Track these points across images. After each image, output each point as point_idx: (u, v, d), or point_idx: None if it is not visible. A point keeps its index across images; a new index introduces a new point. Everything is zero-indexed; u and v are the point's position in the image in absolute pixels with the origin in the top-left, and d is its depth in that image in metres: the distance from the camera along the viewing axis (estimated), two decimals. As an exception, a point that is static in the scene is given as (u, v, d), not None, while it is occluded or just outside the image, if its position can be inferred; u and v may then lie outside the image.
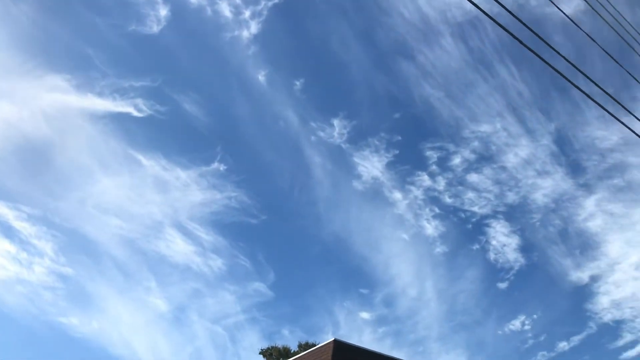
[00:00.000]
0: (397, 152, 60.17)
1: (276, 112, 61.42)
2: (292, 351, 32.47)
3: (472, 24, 55.39)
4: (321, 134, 60.60)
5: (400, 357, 12.25)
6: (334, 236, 65.23)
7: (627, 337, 53.46)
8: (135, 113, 52.23)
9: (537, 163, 59.97)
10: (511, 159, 60.52)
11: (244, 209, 59.29)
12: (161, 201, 57.23)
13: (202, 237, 56.37)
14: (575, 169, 60.42)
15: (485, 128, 60.09)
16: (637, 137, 7.81)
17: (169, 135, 64.24)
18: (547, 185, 60.26)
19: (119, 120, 55.74)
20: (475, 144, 59.95)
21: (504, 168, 60.44)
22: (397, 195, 61.68)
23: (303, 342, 32.49)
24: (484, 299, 63.34)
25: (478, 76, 59.55)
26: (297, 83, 60.62)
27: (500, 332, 58.72)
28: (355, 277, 65.87)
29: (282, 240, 67.00)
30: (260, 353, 33.45)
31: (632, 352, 53.11)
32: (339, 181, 64.11)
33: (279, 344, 34.92)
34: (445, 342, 60.91)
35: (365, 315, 59.50)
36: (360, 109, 64.19)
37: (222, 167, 58.04)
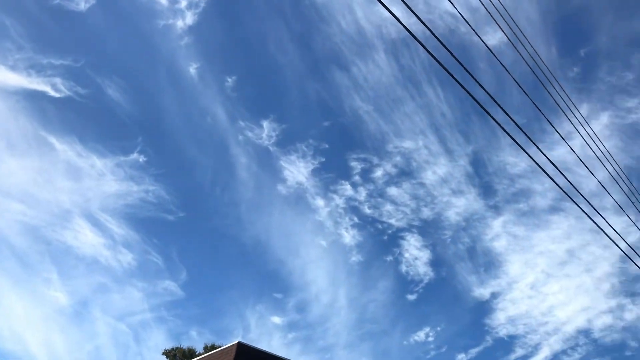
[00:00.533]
0: (323, 159, 60.87)
1: (204, 107, 60.00)
2: (197, 353, 31.60)
3: (405, 43, 57.35)
4: (249, 134, 59.96)
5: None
6: (253, 239, 64.57)
7: (519, 352, 57.34)
8: (52, 93, 48.86)
9: (453, 182, 63.14)
10: (429, 176, 63.26)
11: (161, 204, 57.15)
12: (72, 189, 53.78)
13: (114, 230, 53.57)
14: (486, 190, 64.25)
15: (408, 144, 62.40)
16: (540, 166, 8.39)
17: (88, 120, 60.69)
18: (460, 204, 63.57)
19: (33, 98, 51.84)
20: (398, 158, 62.06)
21: (422, 184, 63.02)
22: (320, 202, 62.33)
23: (209, 344, 31.74)
24: (392, 310, 65.38)
25: (406, 94, 61.81)
26: (229, 80, 59.68)
27: (405, 342, 60.82)
28: (271, 281, 65.53)
29: (199, 239, 65.32)
30: (163, 353, 32.25)
31: (522, 368, 57.07)
32: (264, 184, 63.70)
33: (185, 345, 33.87)
34: (352, 349, 62.05)
35: (276, 319, 59.27)
36: (291, 113, 64.35)
37: (141, 159, 55.64)
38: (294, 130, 63.17)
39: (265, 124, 59.85)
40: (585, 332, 55.37)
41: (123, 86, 55.99)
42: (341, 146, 65.83)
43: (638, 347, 53.18)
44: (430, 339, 58.45)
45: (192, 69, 56.30)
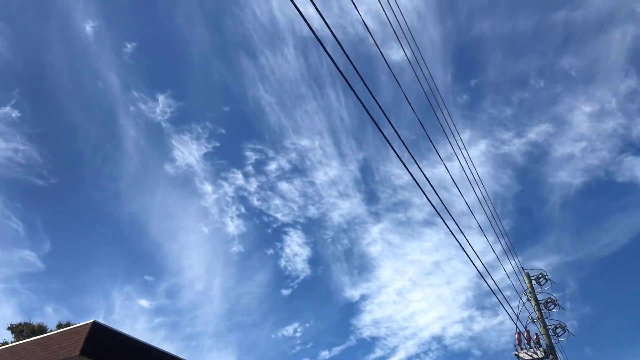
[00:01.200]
0: (218, 144, 59.54)
1: (96, 70, 55.66)
2: (48, 330, 29.16)
3: (316, 42, 58.10)
4: (142, 106, 56.75)
5: (169, 351, 11.83)
6: (130, 216, 61.16)
7: (378, 353, 60.89)
8: None
9: (342, 185, 65.30)
10: (320, 177, 64.84)
11: (31, 166, 52.01)
12: None
13: (-33, 186, 47.68)
14: (370, 197, 67.37)
15: (305, 142, 63.34)
16: (416, 180, 8.99)
17: (-48, 57, 53.28)
18: (345, 207, 65.96)
19: None
20: (293, 155, 62.73)
21: (312, 183, 64.36)
22: (208, 187, 60.85)
23: (64, 323, 29.42)
24: (266, 303, 65.87)
25: (310, 92, 62.72)
26: (129, 46, 56.00)
27: (273, 335, 61.60)
28: (143, 263, 62.57)
29: (70, 210, 60.43)
30: (8, 329, 29.27)
31: (378, 367, 60.61)
32: (150, 160, 60.65)
33: (37, 321, 31.08)
34: (219, 339, 61.42)
35: (144, 303, 56.74)
36: (190, 92, 62.00)
37: (15, 114, 50.26)
38: (191, 110, 60.99)
39: (161, 98, 57.10)
40: (438, 339, 60.43)
41: (4, 30, 50.05)
42: (238, 134, 64.93)
43: (480, 355, 59.23)
44: (298, 334, 59.88)
45: (89, 27, 52.05)
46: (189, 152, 58.43)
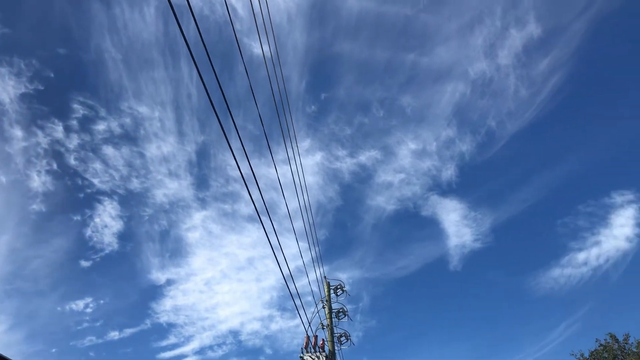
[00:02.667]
0: (42, 88, 52.45)
1: None
2: None
3: (178, 11, 55.28)
4: (-46, 16, 47.55)
5: None
6: None
7: (171, 340, 59.40)
8: None
9: (174, 164, 62.71)
10: (153, 150, 61.37)
11: None
12: None
13: None
14: (201, 183, 65.91)
15: (144, 110, 59.41)
16: (243, 175, 9.00)
17: None
18: (172, 187, 63.41)
19: None
20: (128, 120, 58.33)
21: (142, 155, 60.57)
22: (18, 132, 53.20)
23: None
24: (59, 272, 59.69)
25: (162, 60, 59.13)
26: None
27: (59, 308, 56.01)
28: None
29: None
30: None
31: (169, 353, 59.06)
32: (-50, 81, 50.86)
33: None
34: (-9, 304, 53.75)
35: None
36: (20, 20, 53.73)
37: None
38: (17, 41, 52.83)
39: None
40: (235, 333, 61.35)
41: None
42: (69, 83, 58.02)
43: (271, 354, 61.61)
44: (89, 310, 55.42)
45: None
46: (3, 87, 50.41)
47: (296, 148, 12.69)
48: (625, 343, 30.70)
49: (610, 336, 31.39)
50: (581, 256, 59.66)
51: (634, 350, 30.12)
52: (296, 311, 11.93)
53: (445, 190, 67.88)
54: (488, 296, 71.80)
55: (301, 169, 13.39)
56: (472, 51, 61.30)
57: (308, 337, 15.89)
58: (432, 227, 71.16)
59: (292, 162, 12.43)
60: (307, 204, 14.23)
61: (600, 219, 61.35)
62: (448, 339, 67.40)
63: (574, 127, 69.49)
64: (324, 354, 15.96)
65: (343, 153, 66.62)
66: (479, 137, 65.35)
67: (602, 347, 31.40)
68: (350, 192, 71.58)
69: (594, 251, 59.03)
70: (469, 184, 73.06)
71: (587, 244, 60.15)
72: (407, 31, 62.77)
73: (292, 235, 12.46)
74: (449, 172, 66.81)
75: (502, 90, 63.53)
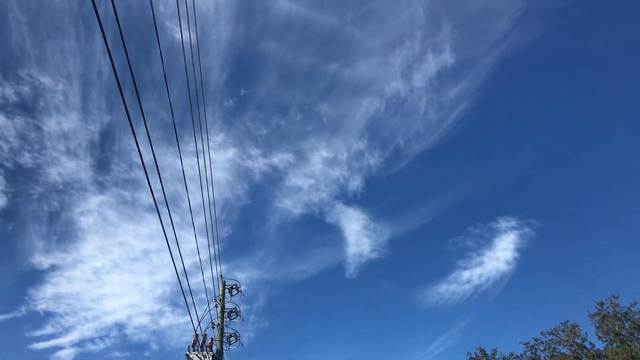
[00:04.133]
0: None
1: None
2: None
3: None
4: None
5: None
6: None
7: (48, 330, 55.01)
8: None
9: (74, 142, 58.39)
10: (52, 124, 56.78)
11: None
12: None
13: None
14: (102, 165, 62.03)
15: (46, 80, 54.82)
16: (144, 165, 8.55)
17: None
18: (69, 167, 59.01)
19: None
20: (26, 89, 53.49)
21: (39, 128, 55.77)
22: None
23: None
24: None
25: (74, 30, 54.95)
26: None
27: None
28: None
29: None
30: None
31: (43, 344, 54.62)
32: None
33: None
34: None
35: None
36: None
37: None
38: None
39: None
40: (121, 327, 58.21)
41: None
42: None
43: (157, 350, 59.17)
44: (-48, 289, 49.79)
45: None
46: None
47: (207, 141, 12.34)
48: (493, 357, 33.34)
49: (480, 350, 33.94)
50: (466, 274, 64.39)
51: (500, 364, 32.84)
52: (187, 308, 11.55)
53: (350, 199, 69.98)
54: (379, 305, 74.93)
55: (209, 163, 13.06)
56: (390, 69, 64.01)
57: (196, 335, 15.45)
58: (334, 234, 72.89)
59: (202, 155, 12.06)
60: (211, 200, 13.87)
61: (486, 241, 66.78)
62: (338, 344, 69.29)
63: (473, 154, 75.04)
64: (211, 353, 15.61)
65: (256, 152, 66.19)
66: (387, 152, 68.29)
67: (472, 360, 33.85)
68: (259, 192, 71.22)
69: (477, 270, 64.01)
70: (373, 196, 75.98)
71: (472, 264, 65.04)
72: (333, 41, 64.04)
73: (193, 230, 12.07)
74: (355, 183, 68.99)
75: (413, 111, 67.02)
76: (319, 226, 74.14)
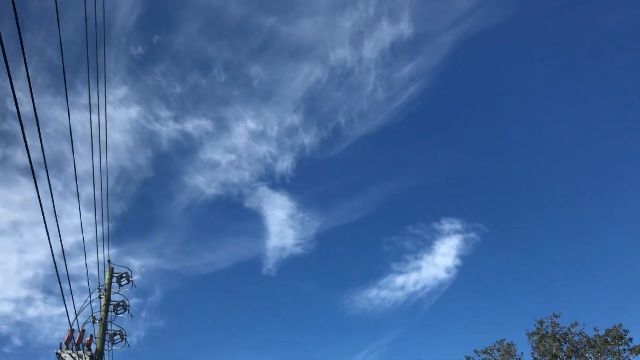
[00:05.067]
0: None
1: None
2: None
3: None
4: None
5: None
6: None
7: None
8: None
9: None
10: None
11: None
12: None
13: None
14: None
15: None
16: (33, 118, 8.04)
17: None
18: None
19: None
20: None
21: None
22: None
23: None
24: None
25: None
26: None
27: None
28: None
29: None
30: None
31: None
32: None
33: None
34: None
35: None
36: None
37: None
38: None
39: None
40: (-27, 313, 54.93)
41: None
42: None
43: (21, 345, 56.54)
44: None
45: None
46: None
47: (104, 93, 11.82)
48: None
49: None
50: (400, 280, 66.46)
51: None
52: (66, 297, 11.10)
53: (277, 183, 69.70)
54: (299, 308, 75.77)
55: (105, 121, 12.53)
56: (338, 33, 64.09)
57: (72, 331, 14.94)
58: (253, 222, 72.51)
59: (96, 110, 11.53)
60: (104, 167, 13.36)
61: (426, 243, 69.23)
62: (247, 350, 69.49)
63: (420, 143, 77.15)
64: (89, 352, 15.17)
65: (167, 114, 64.04)
66: (325, 131, 68.50)
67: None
68: (166, 163, 69.31)
69: (413, 276, 66.26)
70: (303, 181, 76.28)
71: (408, 268, 67.21)
72: (272, -9, 63.08)
73: (78, 202, 11.56)
74: (285, 164, 68.71)
75: (359, 86, 67.65)
76: (236, 211, 73.46)
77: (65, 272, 10.54)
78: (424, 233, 67.55)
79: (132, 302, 17.34)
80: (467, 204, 76.72)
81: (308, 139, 68.62)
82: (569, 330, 30.17)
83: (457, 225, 64.73)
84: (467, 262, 66.62)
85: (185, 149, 68.33)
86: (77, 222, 12.61)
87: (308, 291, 76.15)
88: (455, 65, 68.35)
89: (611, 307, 59.52)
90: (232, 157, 67.08)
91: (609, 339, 28.98)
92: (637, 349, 28.35)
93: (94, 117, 11.12)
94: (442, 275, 65.18)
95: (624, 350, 28.65)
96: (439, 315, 70.52)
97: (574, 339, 29.82)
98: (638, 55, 63.42)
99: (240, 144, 67.81)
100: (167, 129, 64.91)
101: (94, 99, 10.89)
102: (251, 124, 67.25)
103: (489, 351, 31.92)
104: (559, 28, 66.88)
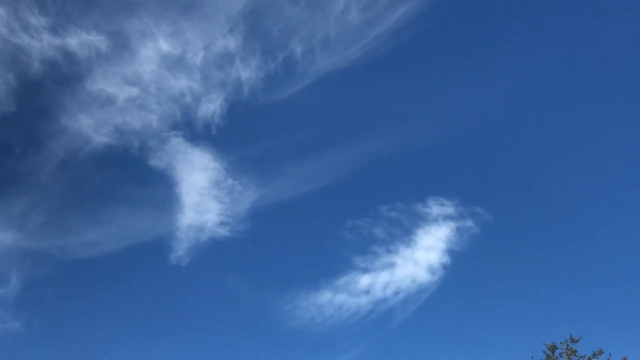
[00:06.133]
0: None
1: None
2: None
3: None
4: None
5: None
6: None
7: None
8: None
9: None
10: None
11: None
12: None
13: None
14: None
15: None
16: None
17: None
18: None
19: None
20: None
21: None
22: None
23: None
24: None
25: None
26: None
27: None
28: None
29: None
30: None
31: None
32: None
33: None
34: None
35: None
36: None
37: None
38: None
39: None
40: None
41: None
42: None
43: None
44: None
45: None
46: None
47: None
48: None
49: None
50: (365, 280, 52.73)
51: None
52: None
53: (198, 133, 52.47)
54: (220, 315, 57.50)
55: None
56: None
57: None
58: (160, 188, 54.14)
59: None
60: None
61: (404, 232, 53.84)
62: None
63: (407, 88, 58.20)
64: None
65: (41, 22, 48.34)
66: (272, 63, 53.17)
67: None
68: (36, 93, 52.36)
69: (383, 276, 53.19)
70: (237, 134, 56.80)
71: (376, 265, 53.75)
72: None
73: None
74: (211, 107, 52.59)
75: (326, 0, 54.96)
76: (136, 171, 52.27)
77: None
78: (403, 217, 54.98)
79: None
80: (465, 179, 59.65)
81: (247, 73, 53.08)
82: (590, 360, 25.02)
83: (449, 208, 52.88)
84: (459, 261, 53.90)
85: (66, 76, 50.85)
86: None
87: (233, 291, 58.01)
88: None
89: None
90: (134, 91, 50.12)
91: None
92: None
93: None
94: (423, 276, 54.21)
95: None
96: (416, 331, 55.90)
97: (597, 375, 24.76)
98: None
99: (146, 73, 50.91)
100: (41, 44, 49.54)
101: None
102: (164, 45, 50.23)
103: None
104: None
